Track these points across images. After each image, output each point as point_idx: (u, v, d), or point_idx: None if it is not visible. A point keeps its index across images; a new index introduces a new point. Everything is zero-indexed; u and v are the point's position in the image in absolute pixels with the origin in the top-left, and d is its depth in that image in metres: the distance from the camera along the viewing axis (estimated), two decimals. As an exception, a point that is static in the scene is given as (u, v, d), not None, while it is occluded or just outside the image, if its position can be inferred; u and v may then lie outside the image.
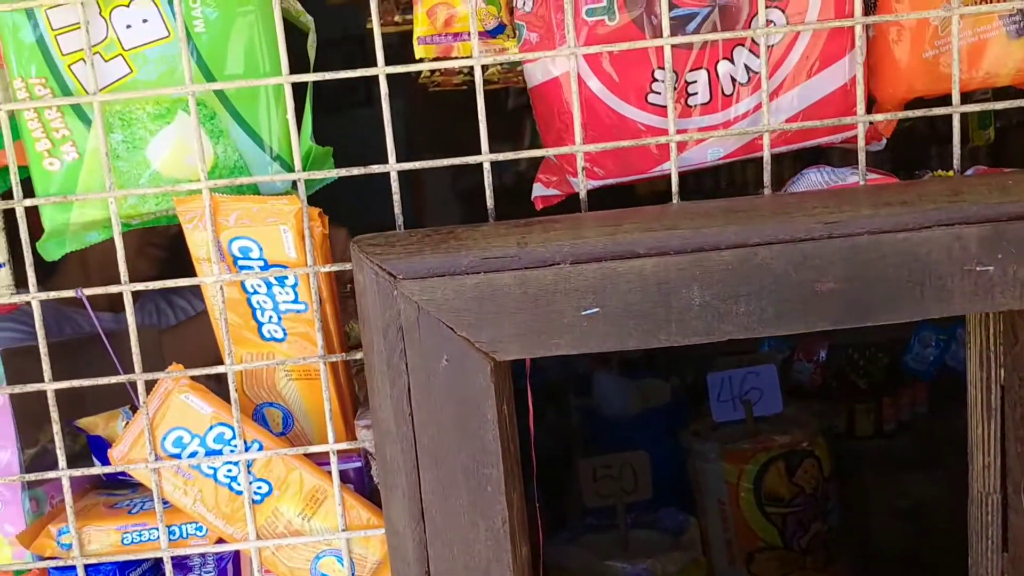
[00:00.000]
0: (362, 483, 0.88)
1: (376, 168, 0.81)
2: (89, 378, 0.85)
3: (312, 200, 0.84)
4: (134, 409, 0.89)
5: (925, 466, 3.75)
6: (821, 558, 2.95)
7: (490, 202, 0.81)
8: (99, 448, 0.92)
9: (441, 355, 0.76)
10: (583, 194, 0.82)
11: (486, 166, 0.80)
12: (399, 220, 0.81)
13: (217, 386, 0.89)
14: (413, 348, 0.76)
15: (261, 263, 0.83)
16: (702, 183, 3.50)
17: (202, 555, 0.88)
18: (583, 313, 0.75)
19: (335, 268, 0.83)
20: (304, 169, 0.83)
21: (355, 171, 0.81)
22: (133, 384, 0.85)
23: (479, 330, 0.75)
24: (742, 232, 0.75)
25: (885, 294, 0.74)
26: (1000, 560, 0.93)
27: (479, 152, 0.81)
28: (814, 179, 0.83)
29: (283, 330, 0.86)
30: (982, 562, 0.94)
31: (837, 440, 3.83)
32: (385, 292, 0.76)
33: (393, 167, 0.80)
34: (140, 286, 0.82)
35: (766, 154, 0.81)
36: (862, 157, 0.81)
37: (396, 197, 0.81)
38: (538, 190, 0.89)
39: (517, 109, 3.17)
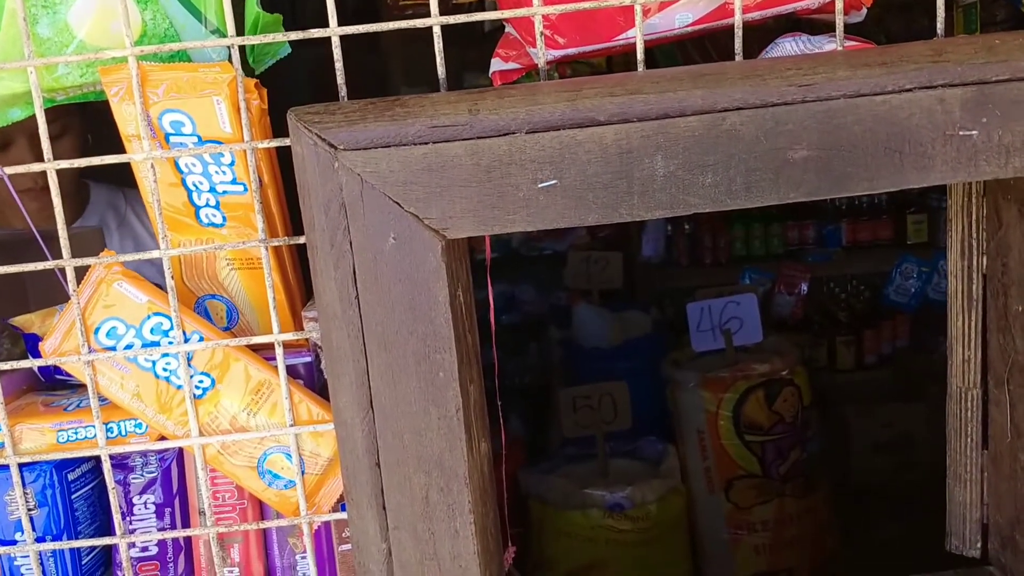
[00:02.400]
0: (312, 378, 0.84)
1: (316, 32, 0.74)
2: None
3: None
4: (70, 304, 0.84)
5: (906, 398, 3.75)
6: (800, 486, 2.94)
7: (441, 70, 0.76)
8: (36, 346, 0.87)
9: (388, 233, 0.71)
10: (542, 63, 0.76)
11: (436, 30, 0.74)
12: (342, 91, 0.76)
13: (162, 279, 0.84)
14: (357, 226, 0.71)
15: (195, 139, 0.77)
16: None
17: (143, 454, 0.83)
18: (540, 186, 0.69)
19: (274, 144, 0.77)
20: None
21: (293, 36, 0.75)
22: (63, 273, 0.79)
23: (428, 205, 0.70)
24: (709, 96, 0.69)
25: (862, 162, 0.69)
26: (980, 458, 0.90)
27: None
28: (789, 48, 0.78)
29: (222, 215, 0.80)
30: (960, 460, 0.91)
31: (818, 373, 3.83)
32: (325, 165, 0.71)
33: (335, 31, 0.74)
34: (65, 164, 0.76)
35: (737, 17, 0.75)
36: (839, 20, 0.76)
37: (338, 65, 0.75)
38: (496, 65, 0.83)
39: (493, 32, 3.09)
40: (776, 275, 3.89)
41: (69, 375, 0.85)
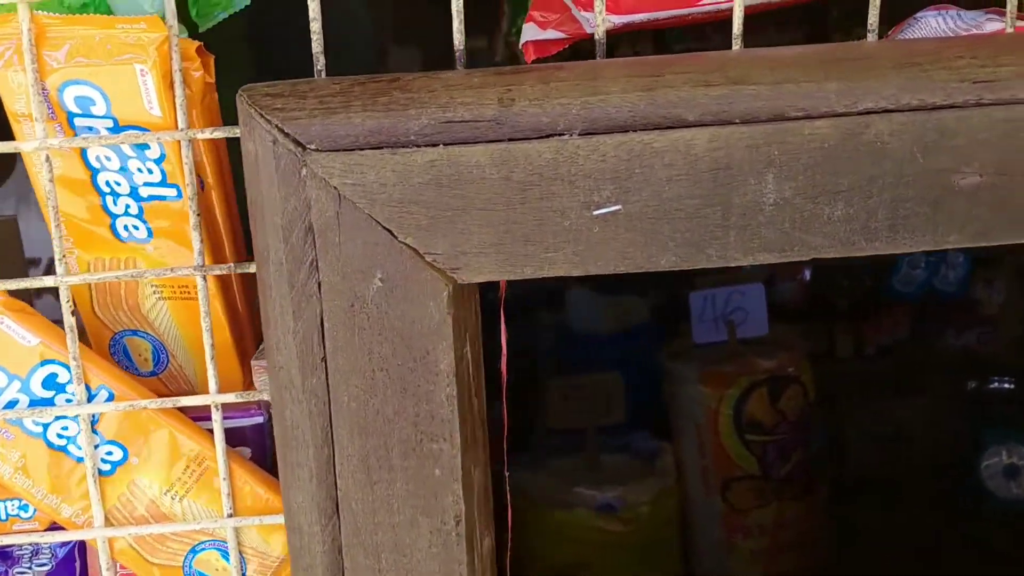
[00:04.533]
0: (264, 448, 0.62)
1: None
2: None
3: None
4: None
5: (907, 391, 3.58)
6: (800, 487, 2.77)
7: (458, 37, 0.53)
8: None
9: (373, 272, 0.49)
10: (599, 33, 0.54)
11: (451, -21, 0.52)
12: (318, 63, 0.54)
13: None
14: (329, 260, 0.49)
15: (109, 123, 0.55)
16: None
17: (34, 544, 0.62)
18: (595, 213, 0.48)
19: (219, 134, 0.55)
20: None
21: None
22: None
23: (433, 235, 0.49)
24: (847, 92, 0.48)
25: (1062, 196, 0.48)
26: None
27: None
28: (934, 25, 0.57)
29: (146, 227, 0.58)
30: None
31: (817, 362, 3.65)
32: (288, 171, 0.49)
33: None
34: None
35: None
36: (1016, -10, 0.54)
37: (314, 25, 0.53)
38: (529, 33, 0.61)
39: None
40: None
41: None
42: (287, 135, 0.48)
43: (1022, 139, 0.48)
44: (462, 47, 0.53)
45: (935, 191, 0.48)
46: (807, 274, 3.85)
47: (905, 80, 0.48)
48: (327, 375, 0.50)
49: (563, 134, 0.48)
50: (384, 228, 0.48)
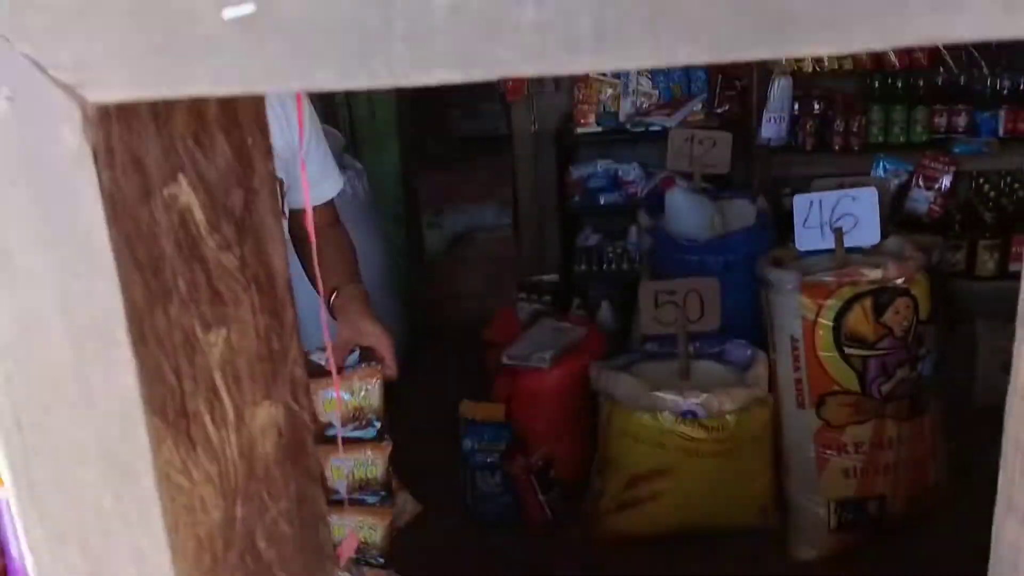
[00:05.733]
0: None
1: None
2: None
3: None
4: None
5: (1052, 314, 3.27)
6: (905, 407, 2.59)
7: None
8: None
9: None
10: None
11: None
12: None
13: None
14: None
15: None
16: None
17: None
18: (226, 15, 0.40)
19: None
20: None
21: None
22: None
23: (57, 43, 0.42)
24: None
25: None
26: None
27: None
28: None
29: None
30: (1020, 483, 0.58)
31: (953, 280, 3.36)
32: None
33: None
34: None
35: None
36: None
37: None
38: None
39: None
40: (915, 166, 3.41)
41: None
42: None
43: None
44: None
45: (654, -12, 0.38)
46: (947, 182, 3.51)
47: None
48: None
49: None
50: None
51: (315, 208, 1.47)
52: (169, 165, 0.45)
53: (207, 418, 0.43)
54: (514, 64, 0.40)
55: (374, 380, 1.15)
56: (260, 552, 0.46)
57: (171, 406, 0.42)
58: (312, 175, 1.41)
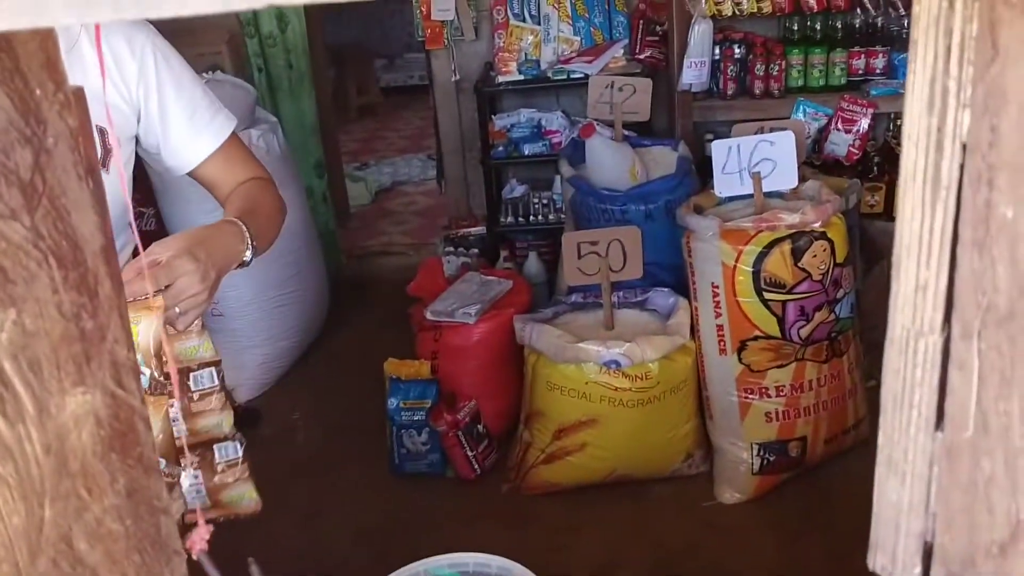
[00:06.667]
0: None
1: None
2: None
3: None
4: None
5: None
6: (824, 349, 2.61)
7: None
8: None
9: None
10: None
11: None
12: None
13: None
14: None
15: None
16: None
17: None
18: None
19: None
20: None
21: None
22: None
23: None
24: None
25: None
26: (930, 443, 0.56)
27: None
28: None
29: None
30: (899, 441, 0.56)
31: (871, 219, 3.40)
32: None
33: None
34: None
35: None
36: None
37: None
38: None
39: None
40: (834, 109, 3.41)
41: None
42: None
43: None
44: None
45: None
46: (865, 124, 3.53)
47: None
48: None
49: None
50: None
51: (220, 161, 1.38)
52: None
53: (-2, 413, 0.39)
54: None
55: (139, 316, 0.93)
56: (80, 555, 0.42)
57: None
58: (179, 129, 1.32)
